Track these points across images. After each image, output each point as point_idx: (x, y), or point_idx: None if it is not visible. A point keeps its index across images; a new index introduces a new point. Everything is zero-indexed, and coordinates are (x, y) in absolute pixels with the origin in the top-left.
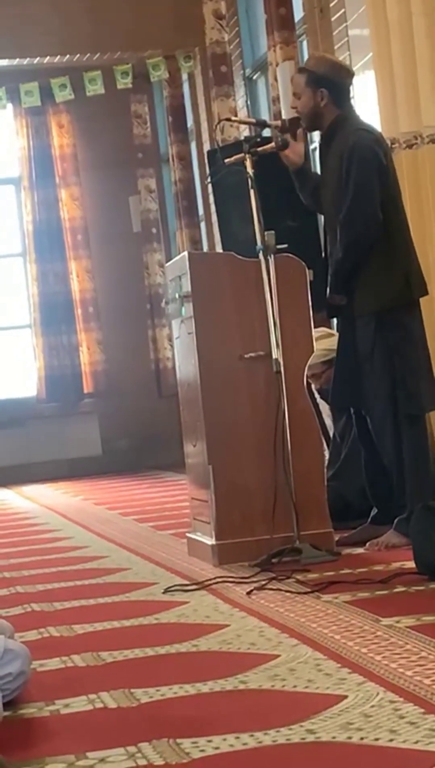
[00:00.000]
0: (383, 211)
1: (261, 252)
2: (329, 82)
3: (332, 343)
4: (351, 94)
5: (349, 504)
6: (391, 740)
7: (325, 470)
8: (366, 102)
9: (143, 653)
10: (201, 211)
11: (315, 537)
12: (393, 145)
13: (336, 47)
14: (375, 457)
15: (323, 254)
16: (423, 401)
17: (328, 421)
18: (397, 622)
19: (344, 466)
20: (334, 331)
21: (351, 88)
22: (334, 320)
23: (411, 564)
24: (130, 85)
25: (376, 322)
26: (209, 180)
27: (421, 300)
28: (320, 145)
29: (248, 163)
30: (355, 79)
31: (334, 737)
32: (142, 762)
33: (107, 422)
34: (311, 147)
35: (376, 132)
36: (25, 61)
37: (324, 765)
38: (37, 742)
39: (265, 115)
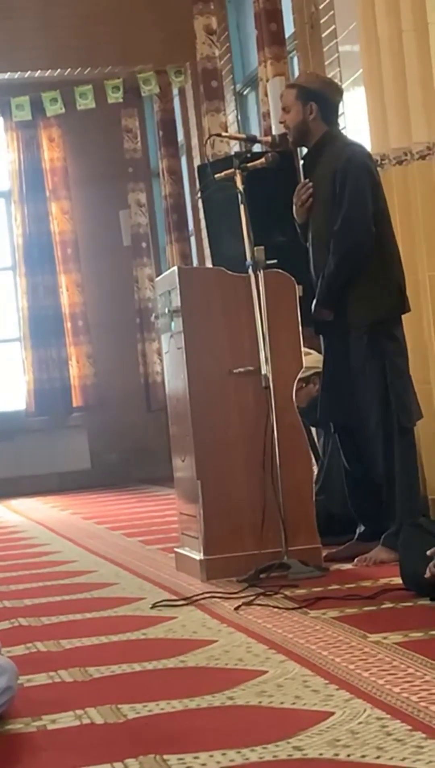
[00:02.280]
0: (375, 224)
1: (250, 267)
2: (319, 98)
3: (309, 361)
4: (340, 112)
5: (334, 517)
6: (377, 757)
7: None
8: (356, 118)
9: (130, 669)
10: (191, 226)
11: (303, 552)
12: (383, 161)
13: (326, 63)
14: (361, 475)
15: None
16: (413, 412)
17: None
18: (385, 638)
19: (326, 479)
20: (310, 350)
21: (340, 106)
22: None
23: (399, 580)
24: (120, 100)
25: (370, 335)
26: (199, 195)
27: (412, 313)
28: (306, 160)
29: (238, 179)
30: (345, 95)
31: (320, 754)
32: None
33: (96, 436)
34: (301, 164)
35: (365, 148)
36: (17, 75)
37: None
38: (24, 758)
39: (255, 131)
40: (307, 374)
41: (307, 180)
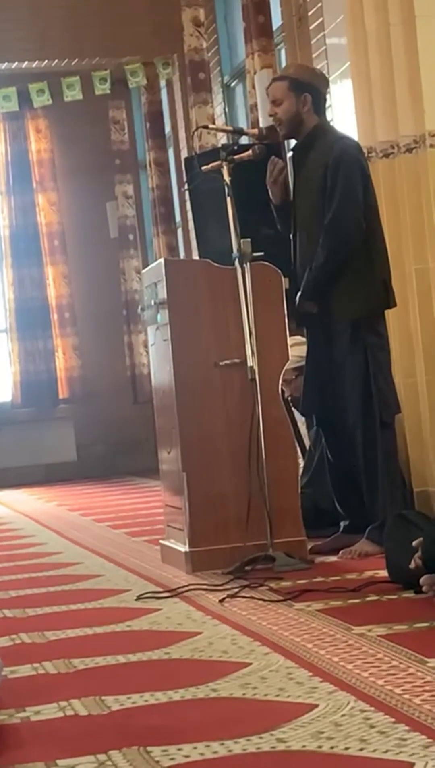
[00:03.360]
0: (364, 219)
1: (237, 260)
2: (312, 89)
3: (303, 351)
4: (327, 104)
5: (322, 511)
6: (361, 749)
7: (300, 478)
8: (343, 111)
9: (115, 660)
10: (178, 218)
11: (288, 545)
12: (370, 154)
13: (314, 56)
14: (344, 468)
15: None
16: (393, 406)
17: (303, 429)
18: (369, 630)
19: (317, 473)
20: (304, 339)
21: (327, 98)
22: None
23: (383, 573)
24: (108, 91)
25: (353, 329)
26: (186, 187)
27: (398, 307)
28: (295, 152)
29: (225, 171)
30: (332, 88)
31: (304, 746)
32: None
33: (82, 428)
34: (290, 156)
35: (356, 142)
36: (3, 66)
37: None
38: (7, 749)
39: (242, 123)
40: (302, 364)
41: (272, 156)
